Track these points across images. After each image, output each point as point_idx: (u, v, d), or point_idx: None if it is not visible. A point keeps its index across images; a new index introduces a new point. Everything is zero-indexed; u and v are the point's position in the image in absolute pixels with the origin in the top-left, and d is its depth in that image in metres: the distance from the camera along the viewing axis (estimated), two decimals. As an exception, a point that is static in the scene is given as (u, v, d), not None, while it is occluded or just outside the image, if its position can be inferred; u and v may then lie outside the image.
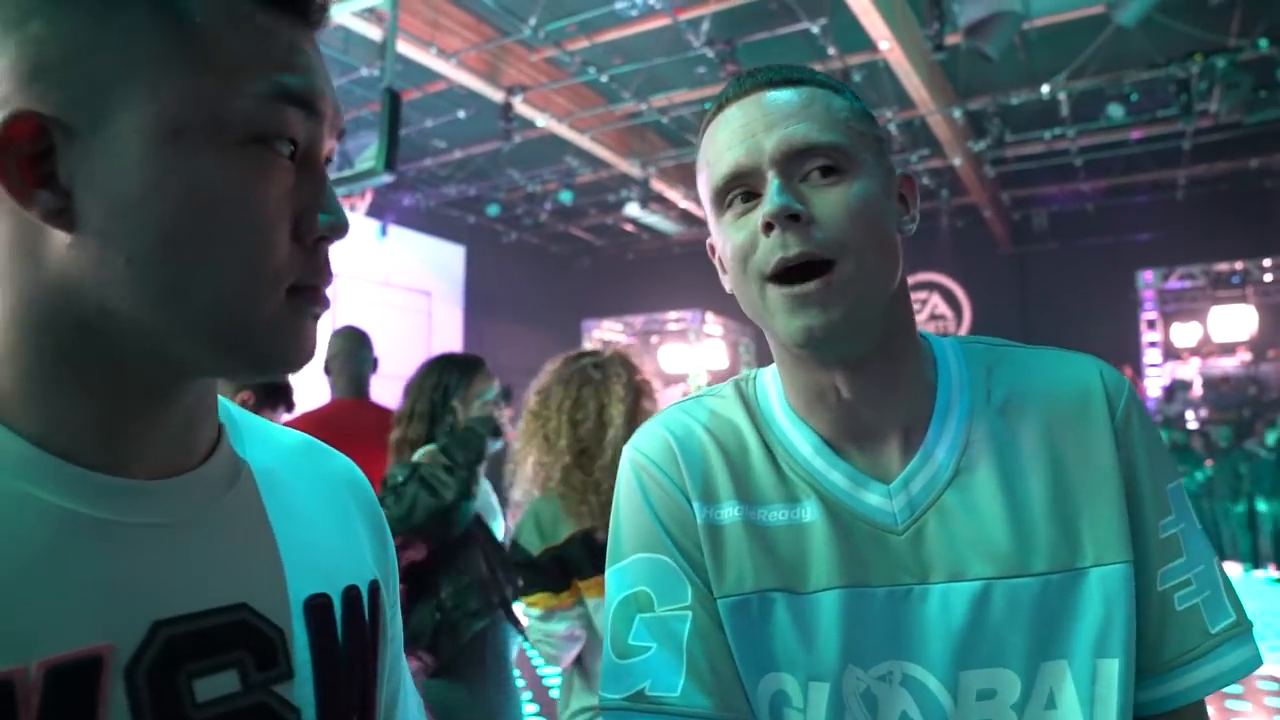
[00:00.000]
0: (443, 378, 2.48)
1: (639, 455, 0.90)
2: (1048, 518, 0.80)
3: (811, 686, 0.81)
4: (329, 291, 0.61)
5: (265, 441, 0.69)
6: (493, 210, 13.92)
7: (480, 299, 16.08)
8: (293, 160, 0.56)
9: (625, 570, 0.87)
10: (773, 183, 0.77)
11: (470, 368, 2.50)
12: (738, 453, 0.88)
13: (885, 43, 7.97)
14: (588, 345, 2.32)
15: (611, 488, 1.76)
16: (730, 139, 0.80)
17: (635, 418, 1.96)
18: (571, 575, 1.89)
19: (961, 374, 0.87)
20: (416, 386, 2.50)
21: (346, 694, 0.64)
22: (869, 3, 7.17)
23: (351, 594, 0.66)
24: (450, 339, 15.31)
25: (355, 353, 3.09)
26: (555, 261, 18.27)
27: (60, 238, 0.51)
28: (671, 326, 16.61)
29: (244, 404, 2.58)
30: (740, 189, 0.80)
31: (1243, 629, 0.83)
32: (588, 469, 1.91)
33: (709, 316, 15.99)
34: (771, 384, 0.91)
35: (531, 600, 1.93)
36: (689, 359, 15.91)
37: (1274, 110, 8.70)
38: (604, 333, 16.39)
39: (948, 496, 0.82)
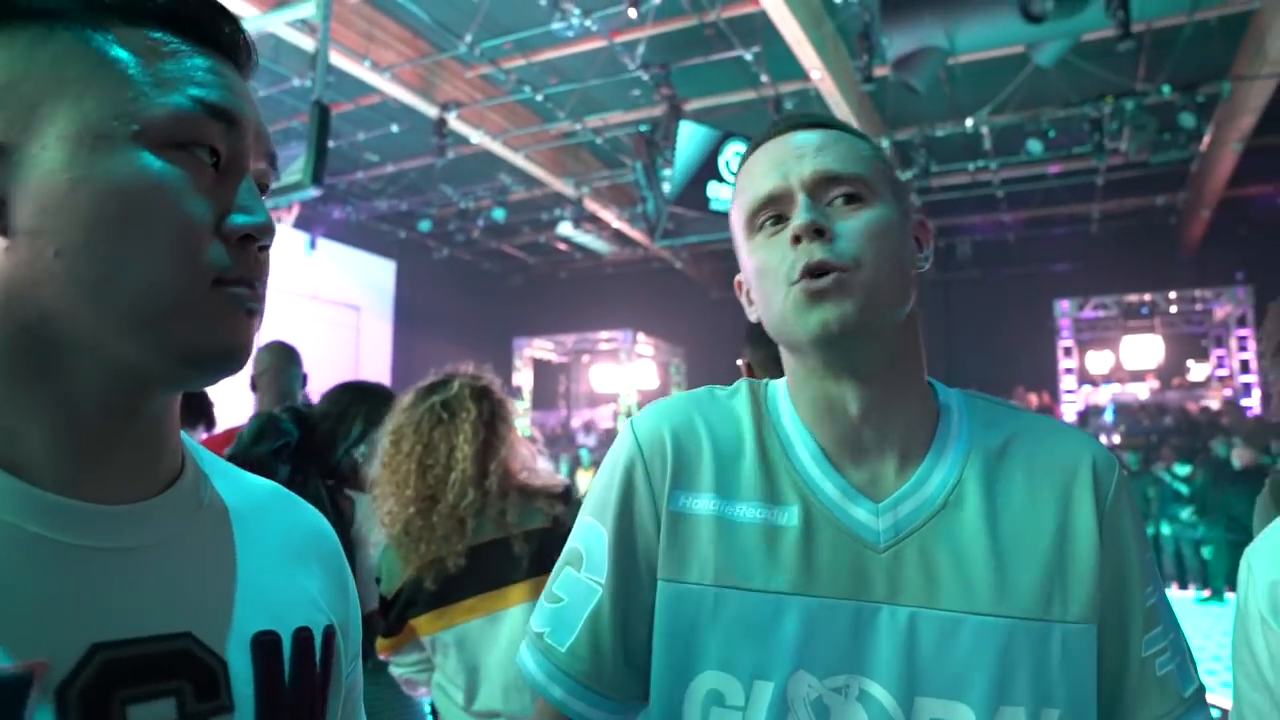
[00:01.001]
0: (351, 410, 2.38)
1: (633, 436, 0.94)
2: (1026, 566, 0.83)
3: (756, 685, 0.83)
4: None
5: (235, 483, 0.71)
6: (424, 226, 13.79)
7: (410, 315, 15.89)
8: (216, 169, 0.60)
9: (579, 526, 0.95)
10: (802, 201, 0.85)
11: (384, 401, 2.41)
12: (732, 449, 0.91)
13: (817, 72, 8.17)
14: (518, 363, 2.21)
15: (446, 534, 1.83)
16: (764, 169, 0.88)
17: (486, 453, 1.92)
18: (406, 617, 1.90)
19: (963, 416, 0.92)
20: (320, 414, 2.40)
21: None
22: (802, 33, 7.34)
23: (303, 635, 0.66)
24: (379, 354, 15.09)
25: (284, 368, 3.02)
26: (487, 279, 18.16)
27: None
28: (603, 346, 16.65)
29: None
30: (771, 213, 0.87)
31: (1202, 693, 0.89)
32: (428, 515, 1.87)
33: (640, 337, 16.07)
34: (782, 394, 0.95)
35: (378, 645, 1.97)
36: (620, 379, 15.94)
37: (1177, 152, 9.16)
38: (535, 351, 16.32)
39: (934, 525, 0.85)
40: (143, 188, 0.56)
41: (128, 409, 0.59)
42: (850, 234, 0.83)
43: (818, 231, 0.82)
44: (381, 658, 1.98)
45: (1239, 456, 8.84)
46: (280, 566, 0.69)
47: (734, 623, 0.84)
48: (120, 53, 0.57)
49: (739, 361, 1.65)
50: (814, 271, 0.82)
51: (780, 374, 1.52)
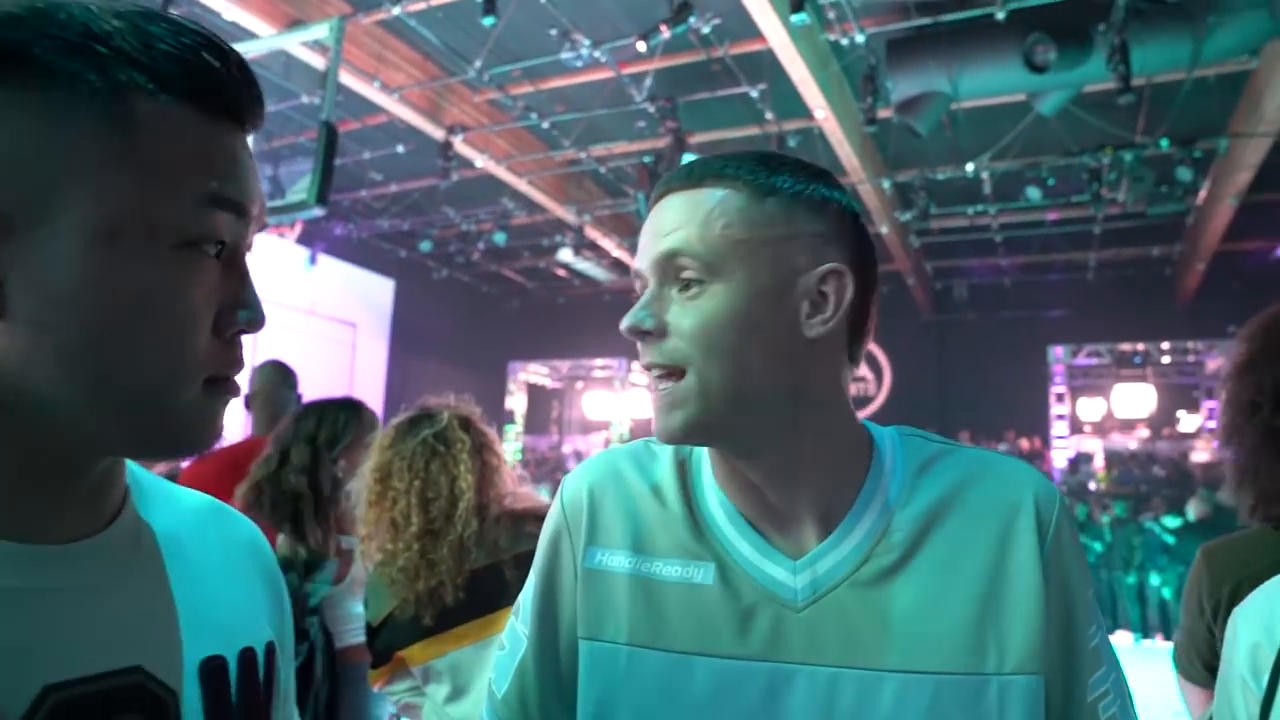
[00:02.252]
0: (324, 420, 2.40)
1: (560, 495, 0.95)
2: (957, 618, 0.79)
3: None
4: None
5: (168, 504, 0.70)
6: (425, 246, 13.84)
7: (406, 334, 15.90)
8: (218, 258, 0.59)
9: (529, 578, 0.96)
10: (644, 294, 0.83)
11: (356, 413, 2.42)
12: (652, 505, 0.89)
13: (821, 112, 8.25)
14: (511, 387, 2.18)
15: (449, 569, 1.83)
16: (644, 233, 0.85)
17: (484, 480, 1.92)
18: (393, 649, 1.88)
19: (895, 466, 0.87)
20: (292, 431, 2.41)
21: None
22: (808, 73, 7.43)
23: (247, 655, 0.67)
24: (374, 372, 15.06)
25: (278, 389, 3.00)
26: (485, 301, 18.19)
27: None
28: (597, 373, 16.64)
29: None
30: (639, 285, 0.85)
31: None
32: (430, 549, 1.84)
33: (634, 366, 16.06)
34: (707, 451, 0.92)
35: (370, 677, 1.96)
36: (613, 407, 15.93)
37: (1173, 204, 9.27)
38: (530, 375, 16.32)
39: (855, 581, 0.81)
40: (155, 296, 0.55)
41: (82, 469, 0.59)
42: (679, 330, 0.79)
43: (644, 333, 0.81)
44: (375, 689, 1.98)
45: (1195, 509, 8.95)
46: (221, 586, 0.69)
47: (647, 683, 0.82)
48: (147, 137, 0.54)
49: None
50: (649, 371, 0.82)
51: None
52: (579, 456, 16.54)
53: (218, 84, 0.57)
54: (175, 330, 0.56)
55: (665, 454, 0.93)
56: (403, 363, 15.59)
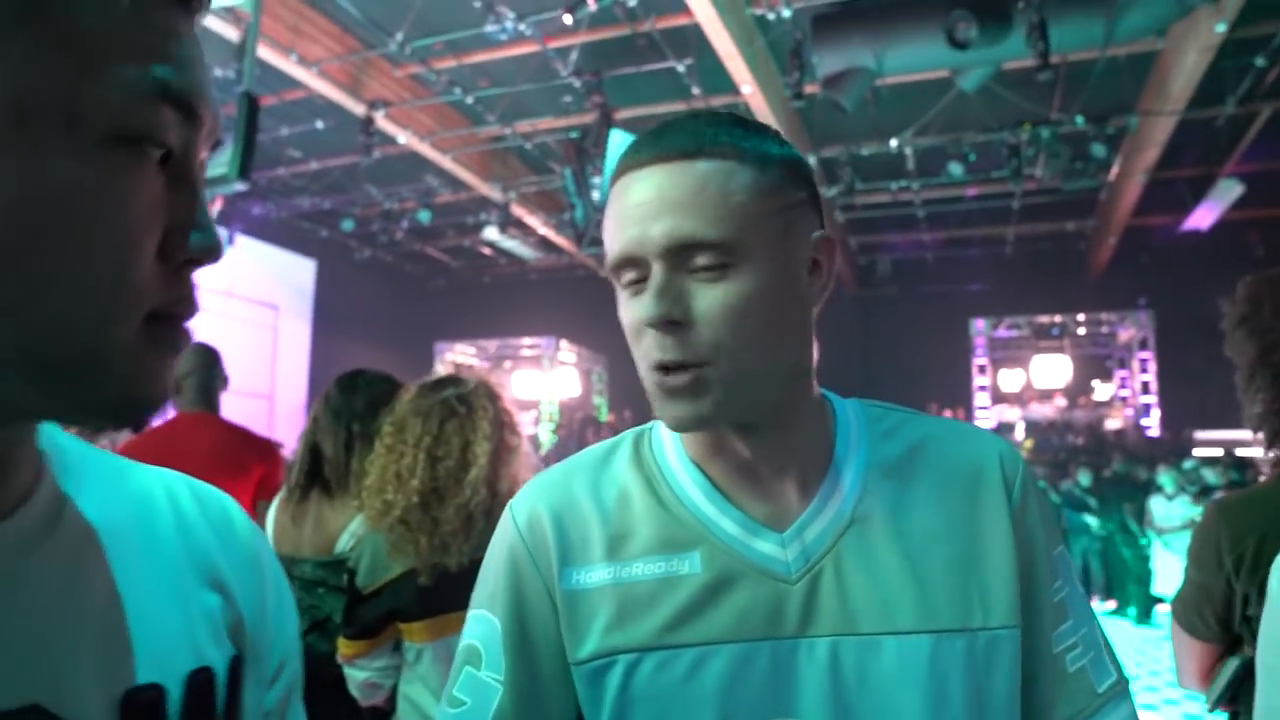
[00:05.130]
0: (354, 399, 2.26)
1: (512, 521, 0.88)
2: (941, 576, 0.80)
3: None
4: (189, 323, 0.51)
5: (109, 485, 0.56)
6: (347, 225, 13.51)
7: (330, 315, 15.55)
8: (163, 166, 0.47)
9: (471, 620, 0.88)
10: (655, 281, 0.75)
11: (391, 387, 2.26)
12: (619, 510, 0.86)
13: (747, 87, 8.26)
14: (440, 368, 2.11)
15: (454, 530, 1.75)
16: (625, 218, 0.77)
17: (500, 454, 1.86)
18: (395, 616, 1.81)
19: (860, 431, 0.87)
20: (332, 412, 2.26)
21: None
22: (734, 47, 7.42)
23: (199, 679, 0.54)
24: (297, 355, 14.71)
25: (207, 371, 2.91)
26: (409, 281, 17.89)
27: None
28: (525, 353, 16.53)
29: None
30: (631, 275, 0.78)
31: (1122, 687, 0.87)
32: (432, 507, 1.78)
33: (563, 344, 16.01)
34: (668, 434, 0.89)
35: (342, 645, 1.86)
36: (542, 386, 15.85)
37: (1088, 180, 9.52)
38: (457, 355, 16.13)
39: (843, 546, 0.81)
40: (78, 194, 0.43)
41: None
42: (708, 318, 0.74)
43: (671, 323, 0.75)
44: (345, 660, 1.85)
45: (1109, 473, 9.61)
46: (169, 595, 0.55)
47: (652, 688, 0.79)
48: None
49: None
50: (669, 368, 0.76)
51: None
52: (510, 436, 16.41)
53: None
54: (105, 244, 0.43)
55: (621, 452, 0.90)
56: (326, 345, 15.24)
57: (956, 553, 0.82)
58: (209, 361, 2.93)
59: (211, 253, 0.49)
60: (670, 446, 0.88)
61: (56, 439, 0.55)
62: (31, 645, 0.46)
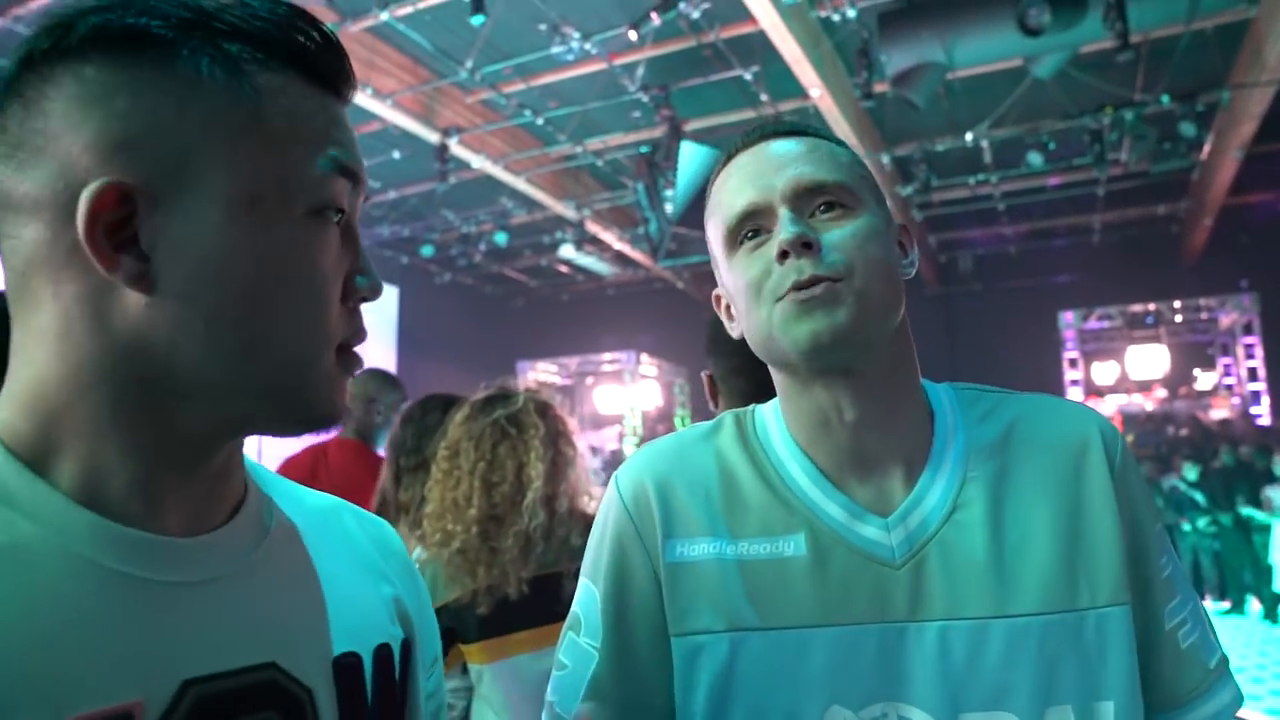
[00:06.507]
0: (406, 431, 2.26)
1: (617, 493, 0.91)
2: (1047, 558, 0.80)
3: None
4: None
5: (294, 500, 0.70)
6: (427, 251, 13.82)
7: (413, 340, 15.89)
8: (338, 225, 0.60)
9: (579, 589, 0.92)
10: (785, 215, 0.81)
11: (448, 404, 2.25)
12: (725, 487, 0.87)
13: (816, 90, 8.19)
14: (500, 384, 2.07)
15: (512, 559, 1.74)
16: (741, 183, 0.85)
17: (555, 471, 1.83)
18: (455, 639, 1.79)
19: (956, 414, 0.88)
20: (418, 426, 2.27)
21: None
22: (800, 52, 7.36)
23: (383, 653, 0.66)
24: (383, 381, 15.06)
25: (380, 396, 3.00)
26: (489, 302, 18.18)
27: (135, 299, 0.53)
28: (606, 368, 16.62)
29: None
30: (751, 227, 0.84)
31: (1225, 663, 0.87)
32: (493, 535, 1.77)
33: (644, 358, 16.05)
34: (772, 418, 0.91)
35: None
36: (624, 400, 15.91)
37: (1177, 160, 9.17)
38: (539, 374, 16.33)
39: (947, 531, 0.81)
40: (294, 263, 0.56)
41: (211, 449, 0.59)
42: (838, 244, 0.80)
43: (805, 245, 0.79)
44: None
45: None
46: (355, 582, 0.68)
47: (756, 667, 0.80)
48: (270, 106, 0.56)
49: (703, 374, 1.62)
50: (804, 286, 0.78)
51: (742, 385, 1.52)
52: (594, 452, 16.54)
53: (317, 53, 0.60)
54: (314, 296, 0.57)
55: (725, 431, 0.92)
56: (412, 370, 15.57)
57: (1061, 532, 0.81)
58: (386, 389, 3.02)
59: (376, 291, 0.62)
60: (775, 430, 0.90)
61: (250, 465, 0.68)
62: (267, 617, 0.59)
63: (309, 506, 0.71)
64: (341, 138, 0.60)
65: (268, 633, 0.59)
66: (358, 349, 0.63)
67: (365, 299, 0.62)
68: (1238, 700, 0.85)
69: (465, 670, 1.86)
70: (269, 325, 0.55)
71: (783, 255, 0.80)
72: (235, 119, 0.55)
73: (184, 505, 0.58)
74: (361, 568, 0.70)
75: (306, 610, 0.62)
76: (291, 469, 2.82)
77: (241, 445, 0.63)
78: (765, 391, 1.40)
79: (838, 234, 0.81)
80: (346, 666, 0.62)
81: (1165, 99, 8.66)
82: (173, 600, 0.54)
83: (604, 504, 0.92)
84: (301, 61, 0.59)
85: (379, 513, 2.24)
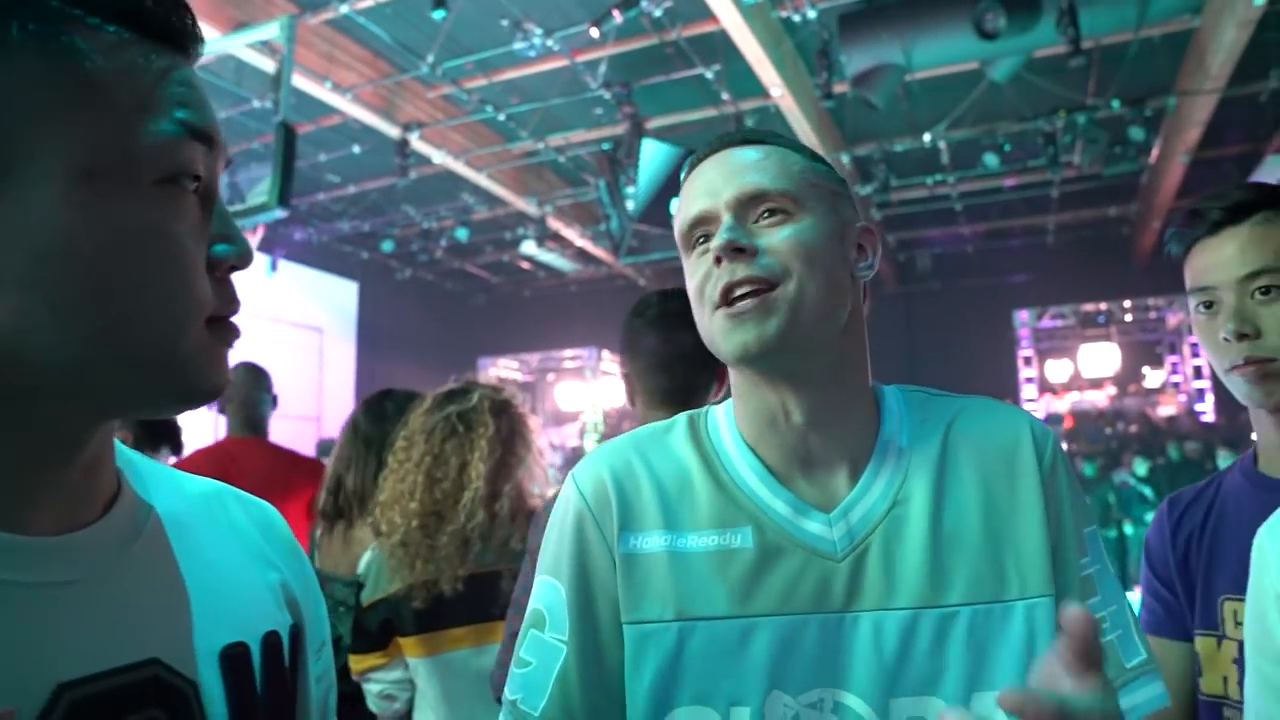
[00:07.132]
0: (385, 425, 2.19)
1: (575, 488, 0.94)
2: (978, 551, 0.85)
3: (733, 712, 0.82)
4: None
5: (172, 488, 0.67)
6: (387, 246, 13.70)
7: (373, 336, 15.76)
8: (195, 194, 0.56)
9: (537, 587, 0.94)
10: (725, 222, 0.85)
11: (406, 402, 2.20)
12: (676, 483, 0.91)
13: (777, 90, 8.25)
14: (465, 379, 2.04)
15: (448, 556, 1.75)
16: (697, 190, 0.89)
17: (502, 471, 1.83)
18: (393, 632, 1.81)
19: (902, 414, 0.92)
20: (363, 441, 2.24)
21: None
22: (761, 51, 7.42)
23: (271, 640, 0.65)
24: (343, 376, 14.92)
25: (254, 391, 2.99)
26: (450, 299, 18.06)
27: None
28: (568, 364, 16.61)
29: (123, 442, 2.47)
30: (701, 232, 0.88)
31: (1152, 667, 0.89)
32: (433, 530, 1.77)
33: (605, 354, 16.06)
34: (723, 417, 0.95)
35: (353, 660, 1.86)
36: (585, 396, 15.91)
37: (1128, 164, 9.38)
38: (500, 370, 16.26)
39: (887, 526, 0.86)
40: (146, 233, 0.52)
41: (78, 439, 0.55)
42: (773, 249, 0.83)
43: (737, 250, 0.83)
44: (358, 673, 1.87)
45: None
46: (240, 569, 0.66)
47: (702, 653, 0.84)
48: (99, 67, 0.51)
49: (620, 373, 1.65)
50: (735, 289, 0.82)
51: (656, 382, 1.57)
52: (555, 448, 16.51)
53: (153, 7, 0.54)
54: (172, 269, 0.53)
55: (677, 430, 0.96)
56: (372, 365, 15.44)
57: (994, 526, 0.86)
58: (255, 381, 2.99)
59: (245, 259, 0.59)
60: (726, 429, 0.93)
61: (126, 454, 0.66)
62: (143, 616, 0.57)
63: (190, 494, 0.68)
64: (190, 98, 0.55)
65: (147, 629, 0.56)
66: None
67: (235, 268, 0.59)
68: (1157, 699, 0.87)
69: (404, 663, 1.87)
70: (124, 305, 0.51)
71: (717, 260, 0.84)
72: (60, 87, 0.49)
73: (56, 501, 0.55)
74: (247, 554, 0.68)
75: (184, 605, 0.60)
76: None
77: (112, 436, 0.60)
78: (681, 389, 1.45)
79: (775, 239, 0.84)
80: (234, 657, 0.61)
81: (1116, 104, 8.86)
82: (44, 602, 0.52)
83: (561, 501, 0.95)
84: (135, 17, 0.53)
85: (329, 496, 2.24)
